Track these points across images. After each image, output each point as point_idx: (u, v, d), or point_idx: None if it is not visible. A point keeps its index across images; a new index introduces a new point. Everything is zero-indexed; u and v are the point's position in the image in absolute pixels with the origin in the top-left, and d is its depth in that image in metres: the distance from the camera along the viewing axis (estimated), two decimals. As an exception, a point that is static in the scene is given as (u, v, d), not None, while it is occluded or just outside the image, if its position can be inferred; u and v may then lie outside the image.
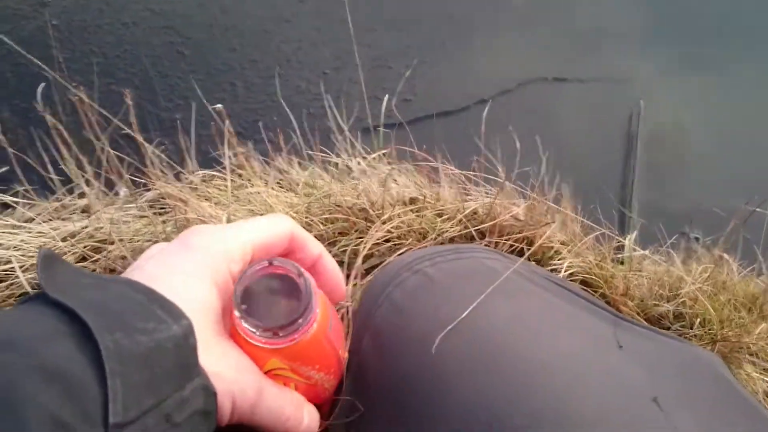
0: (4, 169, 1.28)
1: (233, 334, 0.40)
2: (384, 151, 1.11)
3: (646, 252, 1.00)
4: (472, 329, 0.47)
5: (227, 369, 0.37)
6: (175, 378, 0.31)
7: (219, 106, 0.89)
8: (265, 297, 0.41)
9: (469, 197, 0.99)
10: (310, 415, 0.43)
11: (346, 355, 0.48)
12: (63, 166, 1.15)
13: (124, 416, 0.28)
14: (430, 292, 0.52)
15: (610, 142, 1.37)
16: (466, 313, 0.47)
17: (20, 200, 1.13)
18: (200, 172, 1.15)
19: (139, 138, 0.97)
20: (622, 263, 1.03)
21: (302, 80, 1.40)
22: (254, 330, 0.38)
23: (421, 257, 0.57)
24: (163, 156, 1.04)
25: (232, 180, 1.18)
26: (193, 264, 0.38)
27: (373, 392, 0.50)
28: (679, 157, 1.38)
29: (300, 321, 0.39)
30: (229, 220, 0.88)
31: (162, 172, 1.10)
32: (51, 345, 0.28)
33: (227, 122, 0.94)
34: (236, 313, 0.38)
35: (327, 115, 1.37)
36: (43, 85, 1.05)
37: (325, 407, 0.51)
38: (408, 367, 0.48)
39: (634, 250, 0.96)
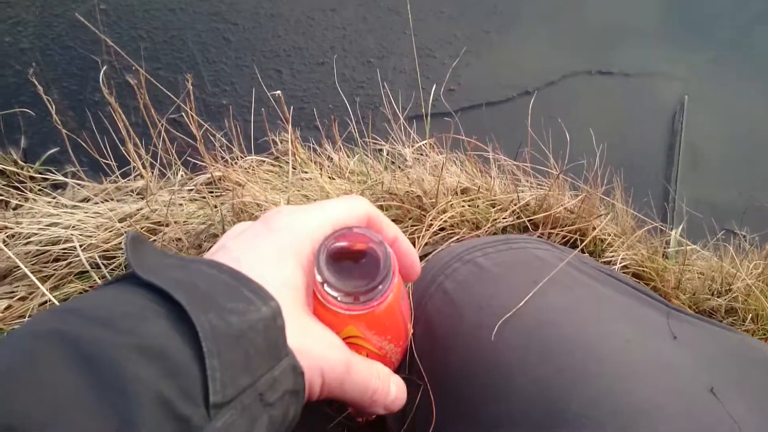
0: (54, 150, 1.31)
1: (314, 305, 0.41)
2: (429, 140, 1.12)
3: (696, 246, 1.00)
4: (526, 320, 0.47)
5: (316, 346, 0.37)
6: (266, 358, 0.31)
7: (278, 92, 0.89)
8: (345, 265, 0.41)
9: (520, 188, 1.00)
10: (397, 387, 0.43)
11: (412, 330, 0.49)
12: (122, 149, 1.17)
13: (223, 395, 0.28)
14: (482, 282, 0.53)
15: (654, 137, 1.37)
16: (523, 302, 0.48)
17: (74, 181, 1.15)
18: (250, 157, 1.16)
19: (194, 124, 0.98)
20: (666, 257, 1.03)
21: (347, 68, 1.40)
22: (335, 295, 0.39)
23: (472, 247, 0.58)
24: (221, 139, 1.05)
25: (280, 166, 1.20)
26: (278, 245, 0.38)
27: (427, 377, 0.51)
28: (724, 153, 1.37)
29: (380, 287, 0.39)
30: (288, 203, 0.90)
31: (216, 157, 1.12)
32: (147, 324, 0.28)
33: (284, 108, 0.95)
34: (318, 278, 0.39)
35: (373, 103, 1.38)
36: (105, 68, 1.06)
37: None
38: (463, 358, 0.48)
39: (687, 244, 0.96)
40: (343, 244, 0.41)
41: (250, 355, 0.30)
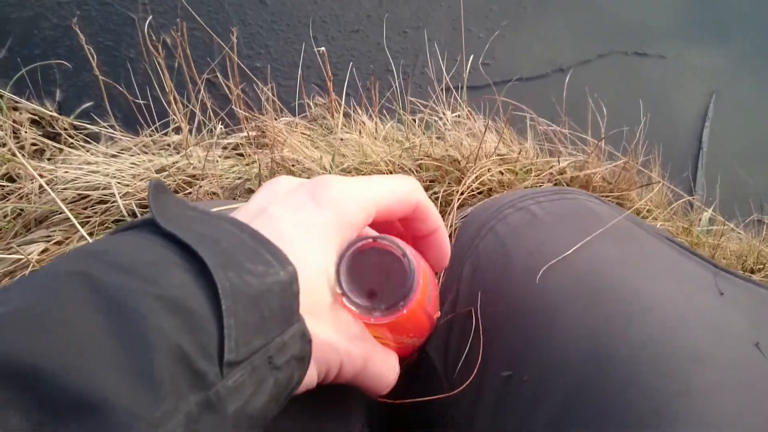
0: (88, 104, 1.31)
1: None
2: (466, 108, 1.12)
3: (731, 225, 1.00)
4: (576, 267, 0.47)
5: (340, 338, 0.37)
6: (279, 322, 0.31)
7: (322, 48, 0.89)
8: (367, 270, 0.40)
9: (558, 155, 1.00)
10: (396, 373, 0.43)
11: (439, 314, 0.49)
12: (154, 106, 1.17)
13: (236, 355, 0.28)
14: (534, 228, 0.53)
15: (685, 121, 1.36)
16: (574, 249, 0.48)
17: (110, 131, 1.16)
18: (285, 119, 1.17)
19: (236, 76, 0.98)
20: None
21: (381, 37, 1.40)
22: (353, 308, 0.39)
23: (524, 196, 0.57)
24: (255, 101, 1.05)
25: (314, 129, 1.20)
26: (322, 225, 0.37)
27: (472, 319, 0.51)
28: (751, 141, 1.37)
29: (400, 304, 0.39)
30: (332, 164, 0.90)
31: (251, 117, 1.12)
32: (170, 275, 0.28)
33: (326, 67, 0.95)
34: (338, 290, 0.38)
35: (406, 73, 1.38)
36: (150, 18, 1.06)
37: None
38: (511, 299, 0.49)
39: (723, 223, 0.96)
40: (365, 255, 0.40)
41: (264, 318, 0.30)
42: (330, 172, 0.87)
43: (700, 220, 1.03)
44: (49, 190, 0.94)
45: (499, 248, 0.53)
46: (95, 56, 1.14)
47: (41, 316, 0.25)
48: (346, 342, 0.38)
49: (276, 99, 1.15)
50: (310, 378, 0.36)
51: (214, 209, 0.62)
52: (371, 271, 0.41)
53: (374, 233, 0.42)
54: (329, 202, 0.38)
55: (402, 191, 0.41)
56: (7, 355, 0.23)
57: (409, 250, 0.41)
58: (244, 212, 0.38)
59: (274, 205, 0.38)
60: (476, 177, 0.93)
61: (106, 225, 0.97)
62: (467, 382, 0.48)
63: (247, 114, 1.04)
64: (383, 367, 0.41)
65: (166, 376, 0.25)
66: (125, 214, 0.95)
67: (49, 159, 1.18)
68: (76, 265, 0.28)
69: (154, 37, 1.18)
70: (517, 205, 0.56)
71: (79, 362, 0.24)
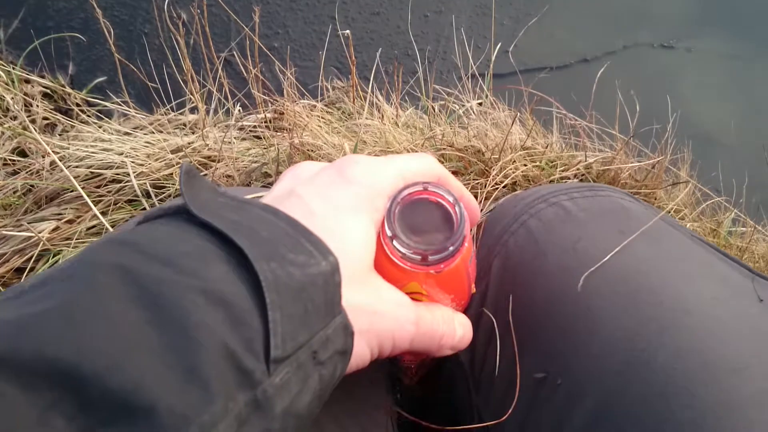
0: (101, 79, 1.29)
1: (376, 256, 0.39)
2: (490, 97, 1.09)
3: (759, 228, 0.98)
4: (612, 268, 0.46)
5: (388, 309, 0.36)
6: (322, 315, 0.30)
7: (347, 32, 0.86)
8: (416, 220, 0.39)
9: (585, 150, 0.97)
10: (463, 327, 0.43)
11: (474, 289, 0.47)
12: (170, 83, 1.15)
13: (283, 350, 0.27)
14: (567, 225, 0.52)
15: (717, 114, 1.33)
16: (613, 253, 0.47)
17: (123, 108, 1.13)
18: (303, 101, 1.14)
19: (255, 56, 0.96)
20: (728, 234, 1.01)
21: (402, 21, 1.37)
22: (404, 251, 0.38)
23: (557, 190, 0.56)
24: (272, 81, 1.02)
25: (332, 113, 1.17)
26: (353, 199, 0.36)
27: (502, 314, 0.50)
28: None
29: (451, 249, 0.38)
30: (354, 151, 0.87)
31: (269, 98, 1.10)
32: (209, 267, 0.27)
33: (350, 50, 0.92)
34: (387, 232, 0.37)
35: (426, 58, 1.35)
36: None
37: None
38: (545, 298, 0.47)
39: (752, 227, 0.93)
40: (417, 198, 0.39)
41: (308, 311, 0.29)
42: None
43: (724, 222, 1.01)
44: (62, 167, 0.91)
45: (531, 244, 0.52)
46: (111, 31, 1.11)
47: (83, 313, 0.24)
48: (391, 307, 0.37)
49: (294, 79, 1.13)
50: (362, 357, 0.35)
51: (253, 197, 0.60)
52: (415, 221, 0.40)
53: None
54: (357, 179, 0.37)
55: (424, 166, 0.41)
56: (49, 354, 0.22)
57: (461, 204, 0.40)
58: (271, 199, 0.37)
59: (301, 186, 0.37)
60: (500, 169, 0.91)
61: (119, 204, 0.95)
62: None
63: (265, 97, 1.01)
64: (435, 322, 0.40)
65: (213, 375, 0.24)
66: (139, 193, 0.93)
67: (60, 134, 1.16)
68: (113, 257, 0.26)
69: (170, 13, 1.15)
70: (549, 200, 0.55)
71: (123, 362, 0.23)
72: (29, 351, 0.22)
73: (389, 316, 0.36)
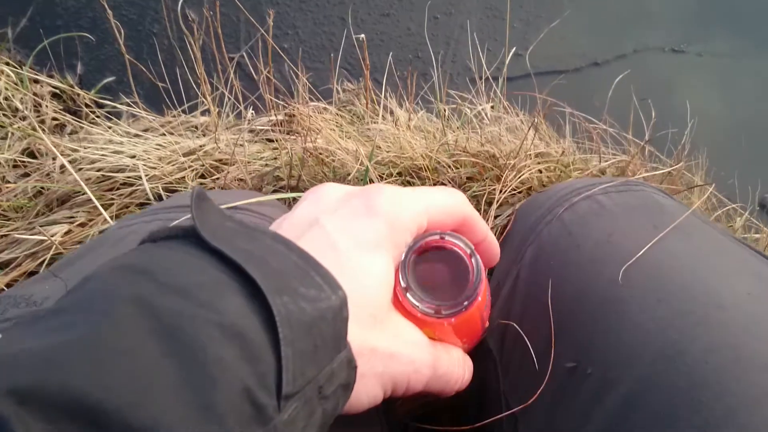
0: (110, 79, 1.28)
1: (394, 297, 0.39)
2: (503, 102, 1.09)
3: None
4: (645, 261, 0.46)
5: (406, 350, 0.36)
6: (330, 350, 0.30)
7: (362, 36, 0.86)
8: (431, 269, 0.40)
9: (596, 155, 0.97)
10: (469, 370, 0.43)
11: (488, 323, 0.48)
12: (181, 83, 1.14)
13: (293, 386, 0.27)
14: (602, 218, 0.52)
15: (730, 120, 1.33)
16: (648, 246, 0.47)
17: (133, 110, 1.12)
18: (314, 104, 1.13)
19: (269, 59, 0.95)
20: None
21: (412, 22, 1.36)
22: (417, 304, 0.38)
23: (591, 184, 0.57)
24: (282, 83, 1.02)
25: (344, 116, 1.17)
26: (376, 233, 0.36)
27: (533, 303, 0.50)
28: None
29: (465, 304, 0.39)
30: (371, 156, 0.87)
31: (280, 101, 1.09)
32: (225, 300, 0.27)
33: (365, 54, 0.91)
34: (402, 284, 0.38)
35: (435, 59, 1.35)
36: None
37: None
38: (578, 288, 0.48)
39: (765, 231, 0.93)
40: (433, 247, 0.40)
41: (317, 346, 0.29)
42: (368, 166, 0.84)
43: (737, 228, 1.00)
44: (72, 171, 0.91)
45: (564, 235, 0.52)
46: (121, 30, 1.10)
47: (104, 347, 0.23)
48: (409, 350, 0.37)
49: (306, 81, 1.12)
50: (374, 396, 0.35)
51: (257, 201, 0.60)
52: (430, 270, 0.40)
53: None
54: (382, 212, 0.37)
55: (451, 204, 0.41)
56: (74, 389, 0.22)
57: (477, 256, 0.40)
58: (291, 225, 0.37)
59: (325, 215, 0.36)
60: (516, 174, 0.90)
61: (130, 208, 0.95)
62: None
63: (276, 101, 1.01)
64: (451, 366, 0.40)
65: (228, 411, 0.24)
66: (151, 197, 0.93)
67: (70, 134, 1.15)
68: (131, 288, 0.26)
69: (181, 12, 1.14)
70: (583, 193, 0.56)
71: (144, 398, 0.23)
72: (55, 385, 0.22)
73: (406, 359, 0.36)
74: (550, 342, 0.47)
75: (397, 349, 0.36)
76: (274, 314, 0.27)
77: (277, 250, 0.31)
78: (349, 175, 0.92)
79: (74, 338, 0.23)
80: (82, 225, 0.92)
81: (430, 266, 0.40)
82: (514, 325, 0.50)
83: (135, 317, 0.25)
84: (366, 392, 0.34)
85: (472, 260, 0.39)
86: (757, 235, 0.99)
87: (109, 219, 0.88)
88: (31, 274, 0.87)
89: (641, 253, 0.47)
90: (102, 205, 0.92)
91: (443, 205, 0.40)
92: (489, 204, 0.87)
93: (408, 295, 0.38)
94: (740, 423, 0.35)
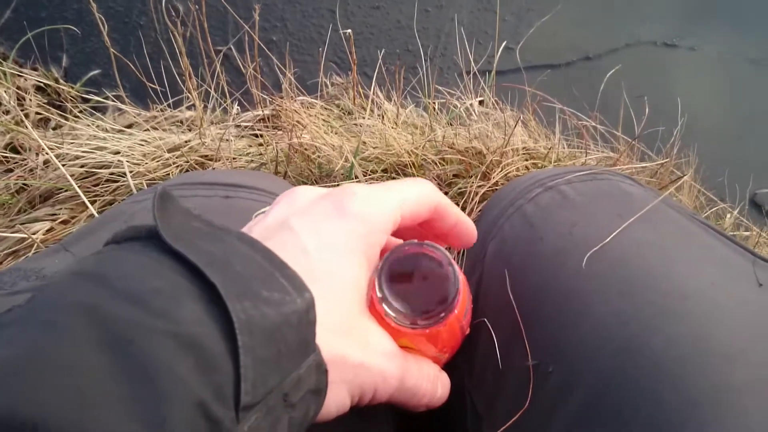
0: (95, 72, 1.26)
1: (369, 304, 0.38)
2: (492, 98, 1.08)
3: (759, 230, 0.97)
4: (609, 251, 0.45)
5: (375, 360, 0.35)
6: (296, 356, 0.28)
7: (348, 31, 0.85)
8: (407, 277, 0.39)
9: (586, 151, 0.96)
10: (443, 387, 0.42)
11: (468, 330, 0.46)
12: (166, 78, 1.12)
13: (253, 396, 0.26)
14: (564, 210, 0.51)
15: (720, 115, 1.32)
16: (611, 237, 0.46)
17: (119, 104, 1.11)
18: (301, 98, 1.12)
19: (255, 52, 0.94)
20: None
21: (402, 15, 1.35)
22: (393, 315, 0.37)
23: (555, 175, 0.55)
24: (268, 77, 1.00)
25: (331, 110, 1.15)
26: (347, 235, 0.35)
27: (495, 299, 0.49)
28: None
29: (442, 315, 0.38)
30: (357, 153, 0.86)
31: (266, 95, 1.08)
32: (181, 307, 0.25)
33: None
34: (378, 294, 0.37)
35: (426, 54, 1.33)
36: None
37: None
38: (539, 283, 0.46)
39: (757, 232, 0.92)
40: (411, 254, 0.39)
41: (281, 352, 0.27)
42: (353, 162, 0.83)
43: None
44: (58, 165, 0.90)
45: (527, 228, 0.51)
46: (105, 23, 1.09)
47: (42, 361, 0.22)
48: (378, 360, 0.36)
49: (292, 77, 1.11)
50: (342, 404, 0.34)
51: (241, 179, 0.58)
52: (407, 279, 0.39)
53: (399, 241, 0.41)
54: (355, 213, 0.36)
55: (424, 195, 0.40)
56: (14, 411, 0.21)
57: (455, 264, 0.39)
58: (261, 228, 0.36)
59: (295, 217, 0.35)
60: (501, 170, 0.89)
61: (114, 205, 0.94)
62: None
63: (263, 95, 0.99)
64: (419, 380, 0.39)
65: (181, 427, 0.23)
66: (135, 193, 0.91)
67: (54, 128, 1.13)
68: (78, 295, 0.25)
69: (167, 5, 1.12)
70: (546, 184, 0.54)
71: (85, 416, 0.21)
72: None
73: (376, 369, 0.35)
74: (511, 339, 0.46)
75: (367, 359, 0.35)
76: (233, 321, 0.26)
77: (242, 251, 0.29)
78: (334, 171, 0.91)
79: (14, 355, 0.22)
80: (64, 222, 0.91)
81: (407, 275, 0.39)
82: (485, 321, 0.49)
83: (82, 328, 0.23)
84: (335, 401, 0.33)
85: (450, 269, 0.38)
86: (746, 233, 0.98)
87: (96, 214, 0.87)
88: (12, 272, 0.86)
89: (604, 243, 0.45)
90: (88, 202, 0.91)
91: (416, 197, 0.39)
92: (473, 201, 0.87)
93: (384, 305, 0.37)
94: (703, 418, 0.34)
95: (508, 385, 0.46)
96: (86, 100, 1.20)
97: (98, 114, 1.14)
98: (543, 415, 0.42)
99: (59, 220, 0.91)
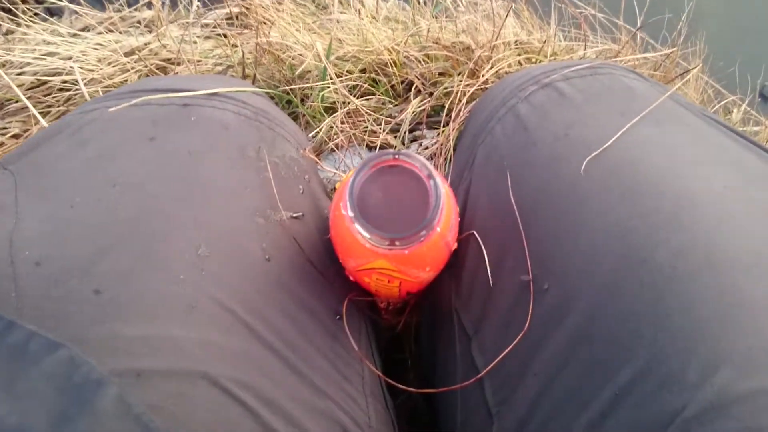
0: (47, -29, 1.15)
1: (334, 225, 0.36)
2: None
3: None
4: (610, 154, 0.41)
5: None
6: None
7: None
8: (382, 192, 0.35)
9: (585, 43, 0.88)
10: None
11: (456, 245, 0.43)
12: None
13: None
14: (561, 109, 0.46)
15: (727, 5, 1.22)
16: (613, 140, 0.41)
17: (73, 6, 1.01)
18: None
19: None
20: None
21: None
22: (368, 236, 0.33)
23: (551, 70, 0.49)
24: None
25: (305, 5, 1.06)
26: None
27: (484, 212, 0.46)
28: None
29: (422, 234, 0.34)
30: (328, 51, 0.77)
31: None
32: None
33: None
34: (350, 213, 0.33)
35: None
36: None
37: None
38: (536, 190, 0.43)
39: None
40: (386, 167, 0.35)
41: None
42: (326, 65, 0.74)
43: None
44: (4, 75, 0.82)
45: (519, 132, 0.46)
46: None
47: None
48: None
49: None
50: None
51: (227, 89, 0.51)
52: (383, 195, 0.35)
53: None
54: None
55: None
56: None
57: (436, 176, 0.35)
58: None
59: None
60: (491, 67, 0.81)
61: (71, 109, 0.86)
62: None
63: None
64: None
65: None
66: (88, 98, 0.84)
67: (5, 34, 1.04)
68: None
69: None
70: (541, 80, 0.49)
71: None
72: None
73: None
74: (502, 253, 0.42)
75: None
76: None
77: None
78: (309, 73, 0.83)
79: None
80: (15, 137, 0.84)
81: (382, 190, 0.35)
82: (474, 233, 0.45)
83: None
84: None
85: (431, 182, 0.35)
86: (756, 128, 0.91)
87: (46, 125, 0.80)
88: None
89: (605, 147, 0.41)
90: (38, 113, 0.83)
91: None
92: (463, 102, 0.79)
93: (357, 224, 0.33)
94: (712, 337, 0.30)
95: (499, 304, 0.42)
96: (40, 2, 1.10)
97: (53, 19, 1.04)
98: (536, 338, 0.38)
99: (9, 134, 0.83)
